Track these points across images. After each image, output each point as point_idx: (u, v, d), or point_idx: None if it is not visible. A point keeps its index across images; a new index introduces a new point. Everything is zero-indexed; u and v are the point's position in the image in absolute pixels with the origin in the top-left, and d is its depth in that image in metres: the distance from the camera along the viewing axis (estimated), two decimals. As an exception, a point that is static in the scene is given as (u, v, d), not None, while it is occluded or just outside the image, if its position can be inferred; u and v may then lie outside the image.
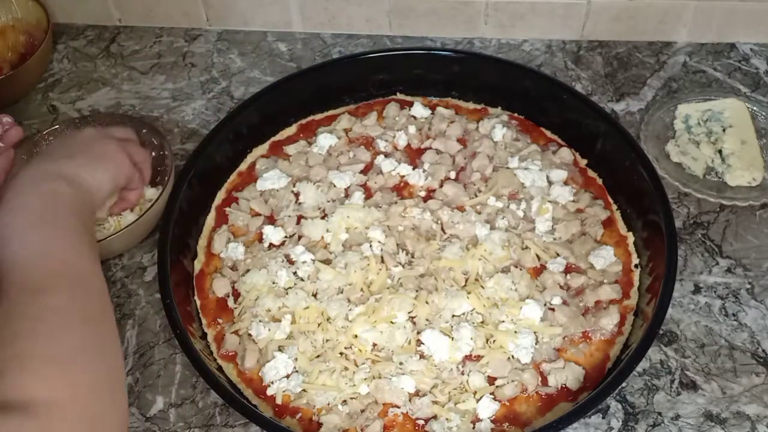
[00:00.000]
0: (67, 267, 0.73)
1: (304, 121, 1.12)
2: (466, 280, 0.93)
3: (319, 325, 0.90)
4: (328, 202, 1.01)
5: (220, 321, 0.93)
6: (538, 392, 0.86)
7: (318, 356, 0.88)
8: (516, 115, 1.11)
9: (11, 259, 0.71)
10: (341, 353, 0.88)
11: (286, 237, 0.99)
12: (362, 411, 0.85)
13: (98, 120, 1.05)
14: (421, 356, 0.88)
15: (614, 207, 1.01)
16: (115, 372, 0.70)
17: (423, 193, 1.03)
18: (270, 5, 1.25)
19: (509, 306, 0.90)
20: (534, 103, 1.09)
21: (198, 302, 0.96)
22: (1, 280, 0.70)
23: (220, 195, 1.05)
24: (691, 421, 0.85)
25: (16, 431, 0.57)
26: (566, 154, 1.05)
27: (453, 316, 0.90)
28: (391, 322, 0.89)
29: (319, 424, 0.84)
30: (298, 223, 1.00)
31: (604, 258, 0.94)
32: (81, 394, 0.63)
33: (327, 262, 0.95)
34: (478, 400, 0.84)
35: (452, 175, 1.04)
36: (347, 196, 1.02)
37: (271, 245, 0.99)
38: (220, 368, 0.89)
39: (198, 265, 0.98)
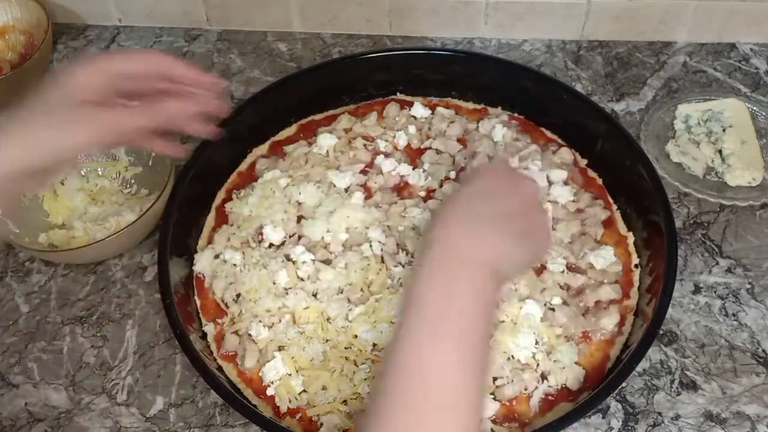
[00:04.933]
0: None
1: (304, 121, 1.12)
2: (466, 280, 0.93)
3: (319, 324, 0.90)
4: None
5: (220, 321, 0.93)
6: (538, 392, 0.86)
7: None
8: (516, 115, 1.11)
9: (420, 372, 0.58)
10: (341, 353, 0.88)
11: (286, 237, 0.99)
12: (362, 411, 0.85)
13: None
14: (421, 356, 0.88)
15: (614, 207, 1.01)
16: None
17: (423, 193, 1.03)
18: (270, 5, 1.25)
19: (509, 306, 0.90)
20: (534, 103, 1.09)
21: (198, 302, 0.96)
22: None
23: (220, 195, 1.05)
24: (691, 421, 0.85)
25: None
26: (566, 154, 1.05)
27: (453, 316, 0.90)
28: (391, 322, 0.89)
29: (320, 424, 0.84)
30: (298, 222, 1.00)
31: (604, 258, 0.94)
32: None
33: (327, 262, 0.95)
34: (478, 400, 0.84)
35: (452, 175, 1.04)
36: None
37: (271, 245, 0.99)
38: (220, 368, 0.89)
39: (198, 265, 0.98)
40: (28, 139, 0.67)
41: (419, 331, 0.60)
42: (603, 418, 0.86)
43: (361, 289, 0.93)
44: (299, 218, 1.01)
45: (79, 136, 0.69)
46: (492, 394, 0.85)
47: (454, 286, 0.61)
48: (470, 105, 1.13)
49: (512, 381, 0.85)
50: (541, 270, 0.94)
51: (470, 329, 0.60)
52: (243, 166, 1.07)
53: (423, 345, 0.59)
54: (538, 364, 0.87)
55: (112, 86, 0.71)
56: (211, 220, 1.03)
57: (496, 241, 0.65)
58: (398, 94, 1.14)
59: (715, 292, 0.95)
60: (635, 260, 0.95)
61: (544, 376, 0.86)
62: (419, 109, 1.10)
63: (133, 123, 0.72)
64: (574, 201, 1.01)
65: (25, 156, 0.67)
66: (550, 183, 1.02)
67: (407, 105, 1.12)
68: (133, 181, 1.08)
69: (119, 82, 0.72)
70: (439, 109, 1.11)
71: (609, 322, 0.89)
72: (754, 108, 1.10)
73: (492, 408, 0.84)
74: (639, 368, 0.88)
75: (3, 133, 0.67)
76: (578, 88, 1.16)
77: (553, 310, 0.90)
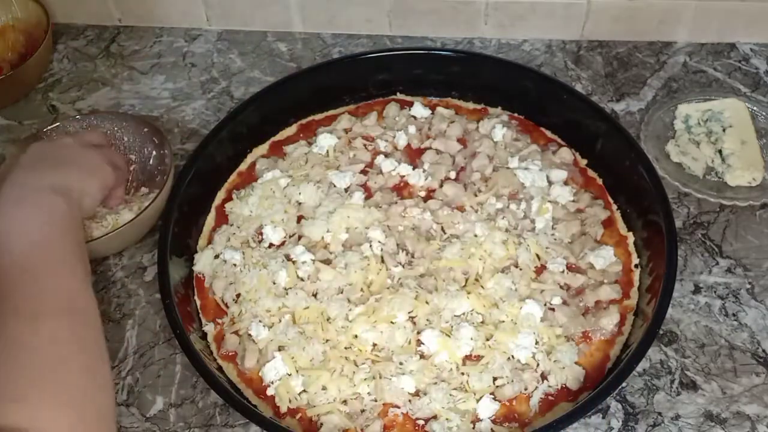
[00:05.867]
0: (68, 294, 0.71)
1: (304, 121, 1.12)
2: (466, 280, 0.93)
3: (319, 324, 0.90)
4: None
5: (220, 321, 0.93)
6: (538, 392, 0.86)
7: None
8: (516, 115, 1.11)
9: (7, 274, 0.69)
10: (341, 354, 0.88)
11: (286, 237, 0.99)
12: (362, 411, 0.85)
13: (68, 126, 1.05)
14: (421, 356, 0.88)
15: (614, 207, 1.01)
16: (105, 409, 0.68)
17: (423, 193, 1.03)
18: (270, 5, 1.25)
19: (509, 306, 0.90)
20: (534, 103, 1.09)
21: (198, 302, 0.96)
22: None
23: (220, 195, 1.05)
24: (691, 421, 0.85)
25: None
26: (566, 154, 1.05)
27: (453, 316, 0.90)
28: (391, 322, 0.89)
29: (320, 424, 0.84)
30: (298, 222, 1.00)
31: (604, 258, 0.94)
32: None
33: (327, 262, 0.95)
34: (478, 400, 0.84)
35: (452, 175, 1.04)
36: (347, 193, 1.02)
37: (271, 245, 0.99)
38: (220, 368, 0.89)
39: (198, 265, 0.98)
40: None
41: (23, 246, 0.72)
42: (603, 418, 0.86)
43: (361, 289, 0.93)
44: (299, 218, 1.01)
45: None
46: (492, 394, 0.85)
47: (33, 205, 0.76)
48: (470, 105, 1.13)
49: (512, 381, 0.85)
50: (540, 270, 0.94)
51: (66, 243, 0.76)
52: (243, 166, 1.07)
53: (31, 262, 0.72)
54: (538, 364, 0.87)
55: None
56: (211, 220, 1.03)
57: (64, 173, 0.83)
58: (398, 94, 1.14)
59: (715, 292, 0.95)
60: (635, 260, 0.95)
61: (544, 376, 0.86)
62: (419, 109, 1.10)
63: None
64: (574, 201, 1.01)
65: None
66: (550, 183, 1.02)
67: (407, 105, 1.12)
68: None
69: None
70: (439, 109, 1.11)
71: (609, 322, 0.89)
72: (754, 108, 1.10)
73: (492, 408, 0.84)
74: (639, 368, 0.88)
75: None
76: (578, 88, 1.16)
77: (553, 310, 0.90)
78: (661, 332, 0.91)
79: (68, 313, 0.70)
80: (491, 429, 0.83)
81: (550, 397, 0.86)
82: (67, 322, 0.69)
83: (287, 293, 0.93)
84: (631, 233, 0.97)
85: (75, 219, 0.81)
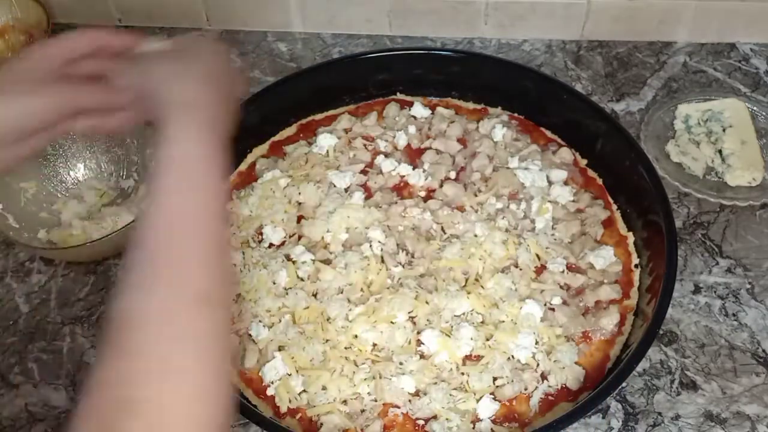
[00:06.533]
0: (231, 274, 0.66)
1: (304, 121, 1.12)
2: (466, 280, 0.93)
3: (319, 324, 0.90)
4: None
5: (220, 321, 0.93)
6: (538, 392, 0.86)
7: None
8: (516, 115, 1.11)
9: (187, 255, 0.61)
10: (341, 354, 0.88)
11: (286, 237, 0.99)
12: (362, 411, 0.85)
13: None
14: (421, 356, 0.88)
15: (614, 207, 1.01)
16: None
17: (423, 193, 1.03)
18: (270, 5, 1.25)
19: (509, 306, 0.90)
20: (534, 103, 1.09)
21: (198, 302, 0.96)
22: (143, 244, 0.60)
23: (220, 195, 1.05)
24: (691, 421, 0.85)
25: None
26: (566, 154, 1.05)
27: (453, 316, 0.90)
28: (391, 322, 0.89)
29: (320, 424, 0.84)
30: (298, 222, 1.00)
31: (604, 258, 0.94)
32: None
33: (327, 262, 0.95)
34: (478, 400, 0.84)
35: (452, 175, 1.04)
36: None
37: (271, 245, 0.99)
38: (220, 368, 0.89)
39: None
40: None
41: (169, 189, 0.63)
42: (603, 418, 0.86)
43: (361, 289, 0.93)
44: (299, 218, 1.01)
45: (45, 102, 0.71)
46: (492, 394, 0.85)
47: (205, 158, 0.65)
48: (470, 105, 1.13)
49: (512, 381, 0.85)
50: (540, 270, 0.94)
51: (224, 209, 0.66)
52: (243, 166, 1.07)
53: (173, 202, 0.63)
54: (538, 364, 0.87)
55: (67, 67, 0.73)
56: (211, 220, 1.02)
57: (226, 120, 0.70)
58: (398, 94, 1.14)
59: (715, 292, 0.95)
60: (635, 260, 0.95)
61: (544, 376, 0.86)
62: (419, 109, 1.10)
63: (91, 100, 0.73)
64: (574, 201, 1.01)
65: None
66: (550, 183, 1.02)
67: (407, 105, 1.12)
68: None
69: (74, 64, 0.73)
70: (439, 109, 1.11)
71: (609, 322, 0.89)
72: (754, 108, 1.10)
73: (492, 408, 0.84)
74: (639, 368, 0.88)
75: None
76: (578, 88, 1.16)
77: (553, 310, 0.90)
78: (661, 332, 0.91)
79: (226, 300, 0.64)
80: (491, 429, 0.83)
81: (550, 397, 0.86)
82: (224, 312, 0.62)
83: (287, 293, 0.93)
84: (631, 233, 0.97)
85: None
